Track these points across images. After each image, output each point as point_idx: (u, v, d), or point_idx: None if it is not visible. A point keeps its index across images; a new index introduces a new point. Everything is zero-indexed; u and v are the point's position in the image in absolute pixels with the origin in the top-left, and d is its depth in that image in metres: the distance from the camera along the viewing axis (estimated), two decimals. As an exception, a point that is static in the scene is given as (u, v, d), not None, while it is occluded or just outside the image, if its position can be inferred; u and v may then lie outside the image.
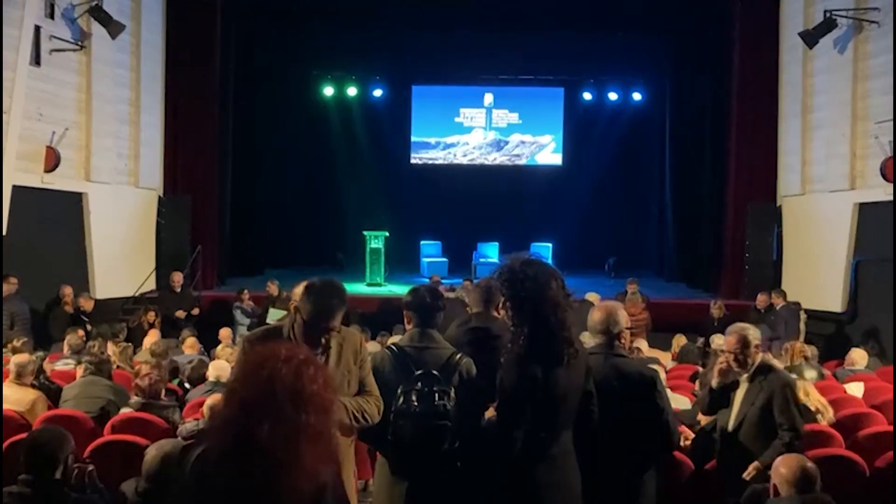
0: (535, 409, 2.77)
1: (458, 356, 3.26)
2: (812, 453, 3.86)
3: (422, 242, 16.11)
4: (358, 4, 14.40)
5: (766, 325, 10.53)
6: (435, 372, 3.16)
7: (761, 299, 10.79)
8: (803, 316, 10.45)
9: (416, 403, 3.08)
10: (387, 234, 13.91)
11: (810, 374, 6.81)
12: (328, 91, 17.16)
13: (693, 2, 13.91)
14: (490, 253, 15.70)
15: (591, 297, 9.68)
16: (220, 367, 5.57)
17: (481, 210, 16.53)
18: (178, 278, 11.08)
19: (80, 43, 10.87)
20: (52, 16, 10.48)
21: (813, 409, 5.04)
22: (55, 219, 10.69)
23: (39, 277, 9.87)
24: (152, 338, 8.49)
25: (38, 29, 10.17)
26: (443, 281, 12.26)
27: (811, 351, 7.52)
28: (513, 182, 17.21)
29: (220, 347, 7.14)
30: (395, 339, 3.67)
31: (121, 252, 11.88)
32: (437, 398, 3.09)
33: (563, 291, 2.90)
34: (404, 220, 15.91)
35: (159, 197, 12.91)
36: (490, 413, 2.98)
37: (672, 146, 16.04)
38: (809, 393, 5.17)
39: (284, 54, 15.78)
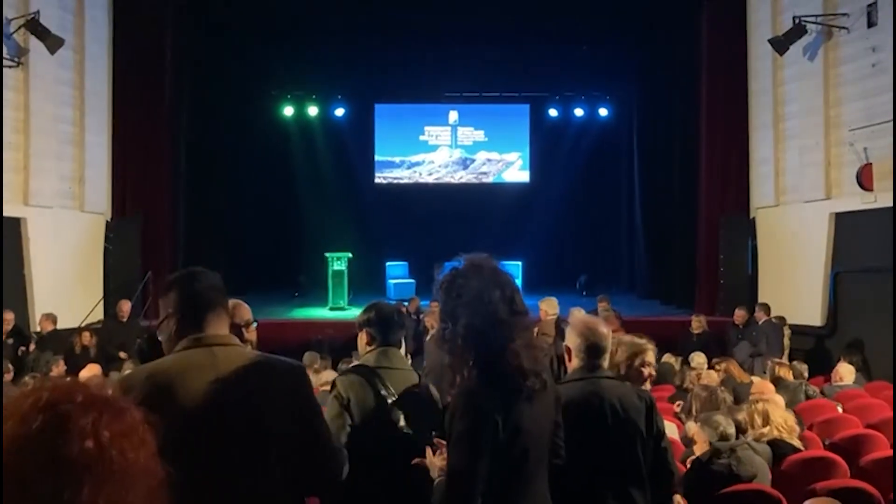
0: (496, 457, 2.15)
1: (423, 379, 3.03)
2: (822, 485, 3.38)
3: (387, 264, 15.56)
4: (317, 21, 13.95)
5: (746, 341, 10.15)
6: (398, 397, 2.87)
7: (739, 314, 10.40)
8: (787, 331, 10.07)
9: (405, 427, 2.82)
10: (349, 255, 13.35)
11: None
12: (288, 111, 16.74)
13: (658, 13, 13.65)
14: (458, 273, 15.15)
15: (576, 313, 9.17)
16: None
17: (449, 229, 15.99)
18: (125, 307, 10.32)
19: (16, 59, 10.22)
20: (-16, 30, 9.84)
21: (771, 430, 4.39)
22: (-10, 246, 9.95)
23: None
24: (90, 371, 7.80)
25: (-32, 44, 9.53)
26: (421, 303, 11.72)
27: (801, 369, 7.07)
28: (480, 200, 16.81)
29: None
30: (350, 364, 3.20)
31: (64, 280, 11.14)
32: (401, 424, 2.83)
33: (511, 307, 2.26)
34: (369, 242, 15.39)
35: (107, 221, 12.20)
36: (437, 463, 2.43)
37: (641, 160, 15.79)
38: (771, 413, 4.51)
39: (242, 72, 15.25)
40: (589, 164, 16.66)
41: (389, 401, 2.85)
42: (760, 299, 11.45)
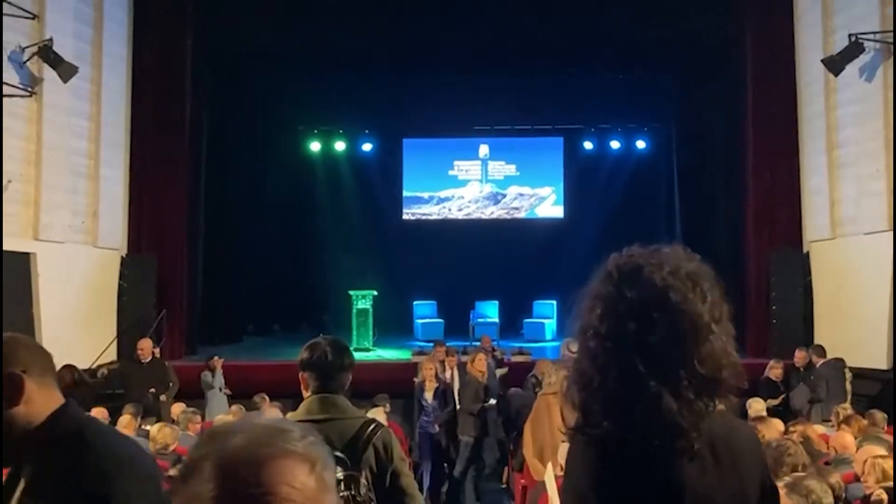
0: None
1: (372, 427, 2.55)
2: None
3: (415, 303, 14.88)
4: (345, 55, 13.58)
5: (805, 385, 9.23)
6: (338, 453, 2.39)
7: (800, 356, 9.49)
8: (848, 374, 9.13)
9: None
10: (375, 293, 12.70)
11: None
12: (315, 146, 16.38)
13: (697, 38, 13.02)
14: (489, 312, 14.44)
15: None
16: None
17: (479, 267, 15.38)
18: (145, 346, 9.50)
19: (29, 89, 9.87)
20: (-3, 59, 9.51)
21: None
22: (-4, 282, 9.48)
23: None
24: (99, 414, 7.20)
25: (-21, 72, 9.18)
26: (494, 343, 11.08)
27: (878, 417, 6.18)
28: (512, 237, 16.13)
29: (156, 427, 5.84)
30: (297, 413, 2.71)
31: (75, 318, 10.62)
32: (342, 487, 2.37)
33: (719, 310, 1.43)
34: (396, 280, 14.74)
35: (122, 257, 11.72)
36: None
37: (682, 194, 15.03)
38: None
39: (266, 107, 14.95)
40: (626, 199, 15.91)
41: None
42: (816, 340, 10.53)
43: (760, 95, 11.80)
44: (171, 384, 9.27)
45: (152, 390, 9.06)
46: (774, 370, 9.30)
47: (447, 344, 10.28)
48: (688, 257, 1.49)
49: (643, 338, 1.36)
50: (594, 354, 1.41)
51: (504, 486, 8.41)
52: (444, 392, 8.25)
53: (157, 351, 9.99)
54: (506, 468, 8.44)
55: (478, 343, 11.60)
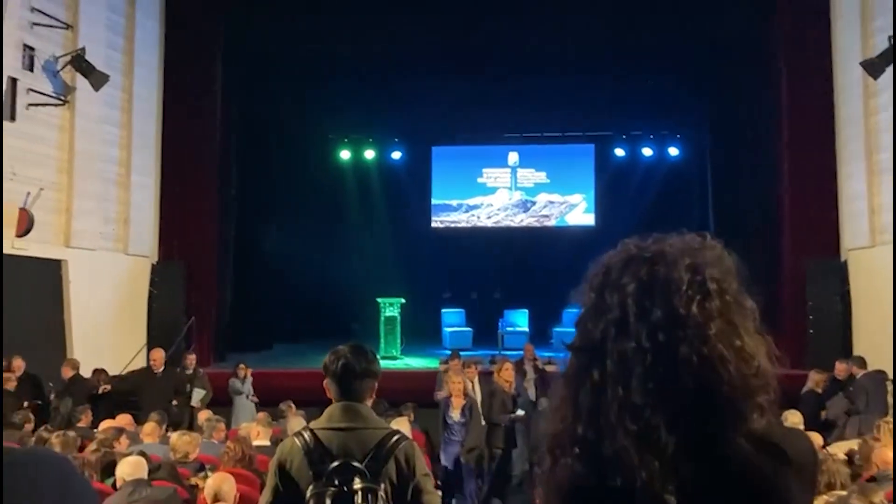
0: None
1: (396, 438, 2.47)
2: None
3: (443, 311, 14.77)
4: (374, 64, 13.59)
5: (843, 396, 8.93)
6: (356, 463, 2.35)
7: (841, 368, 9.17)
8: (890, 387, 8.81)
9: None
10: (403, 300, 12.63)
11: None
12: (345, 154, 16.42)
13: (731, 43, 12.79)
14: (519, 321, 14.28)
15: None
16: (134, 465, 4.24)
17: (508, 275, 15.25)
18: (157, 356, 9.52)
19: (62, 97, 10.00)
20: (31, 68, 9.65)
21: None
22: (28, 288, 9.58)
23: (8, 354, 8.69)
24: (124, 420, 7.22)
25: (14, 81, 9.31)
26: (537, 353, 10.37)
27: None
28: (542, 245, 15.97)
29: (176, 435, 5.80)
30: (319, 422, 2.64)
31: (106, 325, 10.71)
32: (359, 500, 2.30)
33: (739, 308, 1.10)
34: (424, 288, 14.66)
35: (152, 265, 11.80)
36: None
37: (715, 202, 14.77)
38: None
39: (297, 116, 14.98)
40: (658, 206, 15.66)
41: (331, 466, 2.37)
42: (856, 351, 10.21)
43: (796, 100, 11.53)
44: (191, 392, 9.29)
45: (174, 402, 9.07)
46: (816, 379, 9.00)
47: (474, 354, 10.12)
48: (702, 246, 1.14)
49: (625, 349, 1.00)
50: (570, 374, 1.07)
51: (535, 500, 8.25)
52: (471, 409, 7.53)
53: (191, 359, 9.96)
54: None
55: (507, 353, 11.46)
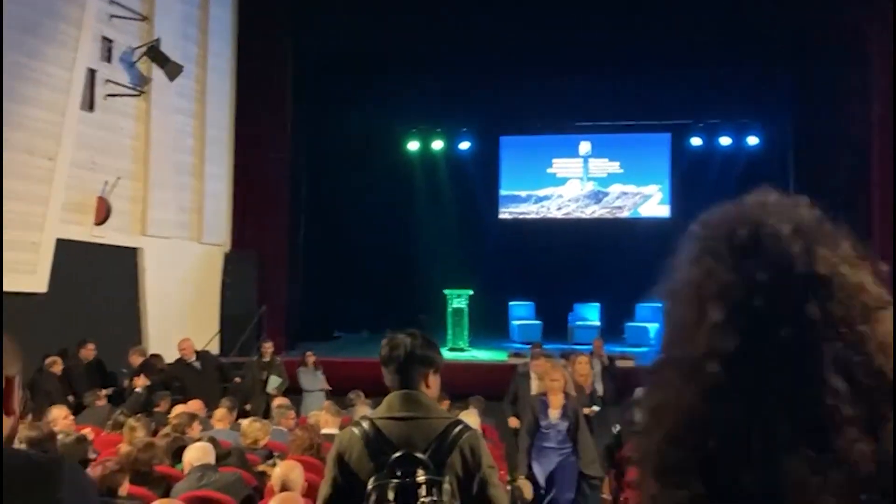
0: None
1: (459, 428, 2.36)
2: None
3: (511, 304, 14.54)
4: (442, 53, 13.47)
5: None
6: (419, 454, 2.25)
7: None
8: None
9: (391, 502, 2.21)
10: (471, 292, 12.48)
11: None
12: (413, 145, 16.32)
13: (817, 27, 12.16)
14: (589, 315, 13.96)
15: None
16: (202, 450, 4.19)
17: (579, 268, 14.89)
18: (187, 346, 8.98)
19: (138, 88, 10.19)
20: (108, 59, 9.86)
21: None
22: (106, 275, 9.82)
23: (84, 338, 8.91)
24: (196, 405, 7.27)
25: (92, 72, 9.52)
26: (608, 348, 9.82)
27: None
28: (614, 237, 15.53)
29: (247, 421, 5.78)
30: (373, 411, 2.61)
31: (180, 312, 10.90)
32: (423, 492, 2.21)
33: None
34: (492, 280, 14.44)
35: (225, 254, 11.96)
36: None
37: (798, 193, 14.06)
38: None
39: (366, 107, 14.98)
40: (737, 197, 15.06)
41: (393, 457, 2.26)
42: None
43: (888, 87, 10.87)
44: (267, 380, 9.30)
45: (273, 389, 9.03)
46: None
47: (545, 348, 9.84)
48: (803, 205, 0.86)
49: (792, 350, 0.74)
50: (713, 383, 0.76)
51: (604, 496, 7.98)
52: (575, 412, 6.25)
53: (268, 346, 9.88)
54: (606, 479, 8.00)
55: (577, 347, 11.16)
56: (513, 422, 7.49)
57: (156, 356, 9.05)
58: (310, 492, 3.97)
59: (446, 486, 2.25)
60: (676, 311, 0.85)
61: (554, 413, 6.22)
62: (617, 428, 7.65)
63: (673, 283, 0.89)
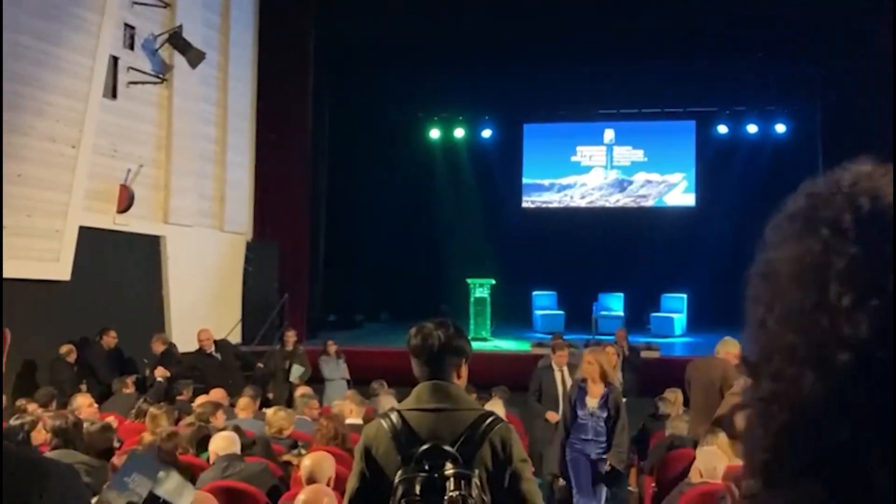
0: None
1: (490, 420, 2.28)
2: None
3: (534, 293, 14.41)
4: (464, 41, 13.30)
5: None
6: (447, 447, 2.18)
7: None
8: None
9: (418, 497, 2.13)
10: (493, 281, 12.37)
11: None
12: (434, 133, 16.21)
13: (845, 13, 11.84)
14: (613, 305, 13.80)
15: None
16: (227, 440, 4.13)
17: (603, 257, 14.74)
18: (205, 336, 8.94)
19: (160, 76, 10.14)
20: (131, 47, 9.82)
21: None
22: (128, 263, 9.82)
23: (106, 325, 8.91)
24: (218, 394, 7.23)
25: (115, 60, 9.49)
26: (632, 339, 9.49)
27: None
28: (638, 226, 15.38)
29: (271, 410, 5.71)
30: (404, 403, 2.45)
31: (202, 300, 10.87)
32: (451, 486, 2.13)
33: None
34: (515, 269, 14.31)
35: (247, 242, 11.94)
36: None
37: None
38: None
39: (387, 95, 14.90)
40: (764, 186, 14.75)
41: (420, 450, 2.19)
42: None
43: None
44: (290, 369, 9.25)
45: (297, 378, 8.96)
46: None
47: (568, 338, 9.71)
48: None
49: None
50: (844, 373, 0.64)
51: (631, 487, 7.86)
52: (617, 402, 5.82)
53: (291, 335, 9.80)
54: (632, 469, 7.88)
55: (600, 338, 11.03)
56: (552, 416, 6.98)
57: (172, 346, 9.05)
58: (337, 484, 3.90)
59: (476, 481, 2.18)
60: (781, 292, 0.73)
61: (592, 402, 5.81)
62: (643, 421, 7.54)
63: (771, 262, 0.77)
